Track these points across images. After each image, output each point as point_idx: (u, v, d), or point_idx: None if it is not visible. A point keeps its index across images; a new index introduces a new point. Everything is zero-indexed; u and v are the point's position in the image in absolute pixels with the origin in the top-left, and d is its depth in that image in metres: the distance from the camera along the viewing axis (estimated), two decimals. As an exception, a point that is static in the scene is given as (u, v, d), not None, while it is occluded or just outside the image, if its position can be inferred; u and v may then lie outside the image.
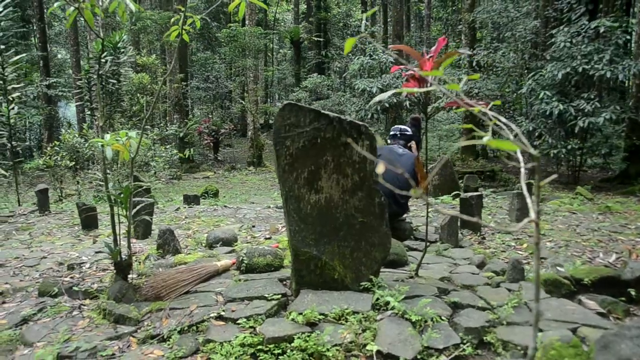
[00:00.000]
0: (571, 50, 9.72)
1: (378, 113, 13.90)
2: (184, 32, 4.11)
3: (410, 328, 2.81)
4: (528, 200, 1.33)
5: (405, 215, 5.50)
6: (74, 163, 9.36)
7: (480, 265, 4.13)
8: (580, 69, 9.41)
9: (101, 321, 3.28)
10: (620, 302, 3.54)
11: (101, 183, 9.58)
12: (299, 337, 2.70)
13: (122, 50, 11.20)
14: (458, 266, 4.15)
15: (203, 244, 5.03)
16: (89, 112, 11.42)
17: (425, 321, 2.84)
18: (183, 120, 17.48)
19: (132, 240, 5.44)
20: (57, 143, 9.54)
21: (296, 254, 3.23)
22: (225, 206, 7.90)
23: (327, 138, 3.13)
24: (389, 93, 3.20)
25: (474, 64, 12.20)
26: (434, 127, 20.64)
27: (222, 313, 3.09)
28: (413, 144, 11.14)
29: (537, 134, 10.07)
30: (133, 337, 3.06)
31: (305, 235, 3.21)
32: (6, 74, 7.55)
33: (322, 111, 3.15)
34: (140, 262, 4.43)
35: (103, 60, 10.67)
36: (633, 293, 3.66)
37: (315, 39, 19.70)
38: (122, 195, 3.51)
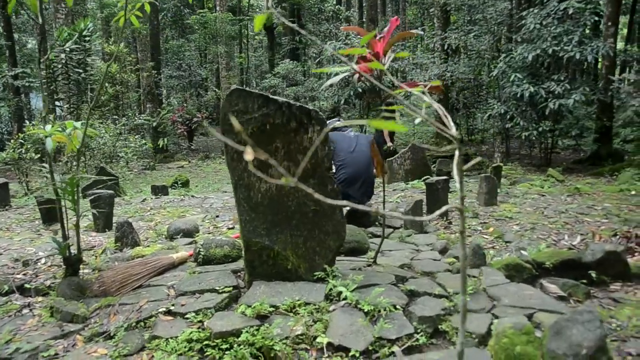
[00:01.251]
0: (541, 32, 9.69)
1: (352, 98, 13.78)
2: (133, 17, 3.96)
3: (362, 318, 2.73)
4: (457, 184, 1.24)
5: (370, 202, 5.44)
6: (39, 155, 9.09)
7: (443, 251, 4.08)
8: (550, 51, 9.40)
9: (49, 319, 3.15)
10: (581, 285, 3.51)
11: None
12: (247, 331, 2.61)
13: (87, 38, 10.88)
14: (420, 252, 4.09)
15: (164, 236, 4.90)
16: (58, 104, 11.08)
17: (379, 311, 2.77)
18: (156, 109, 17.16)
19: (92, 234, 5.30)
20: (21, 135, 9.25)
21: (248, 245, 3.14)
22: (192, 196, 7.77)
23: (277, 124, 3.02)
24: (340, 76, 3.09)
25: (446, 47, 12.14)
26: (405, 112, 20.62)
27: (172, 308, 2.98)
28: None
29: (508, 116, 10.06)
30: (80, 335, 2.94)
31: (256, 225, 3.11)
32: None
33: (271, 96, 3.03)
34: (96, 257, 4.30)
35: (67, 49, 10.36)
36: (594, 275, 3.65)
37: (288, 24, 19.34)
38: (68, 188, 3.36)
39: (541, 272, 3.71)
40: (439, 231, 5.04)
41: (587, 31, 9.47)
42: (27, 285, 3.69)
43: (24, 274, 4.06)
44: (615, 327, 2.95)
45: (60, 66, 10.49)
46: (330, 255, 3.19)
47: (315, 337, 2.62)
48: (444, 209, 1.28)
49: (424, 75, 12.40)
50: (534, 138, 9.73)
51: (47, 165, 3.61)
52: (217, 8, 15.66)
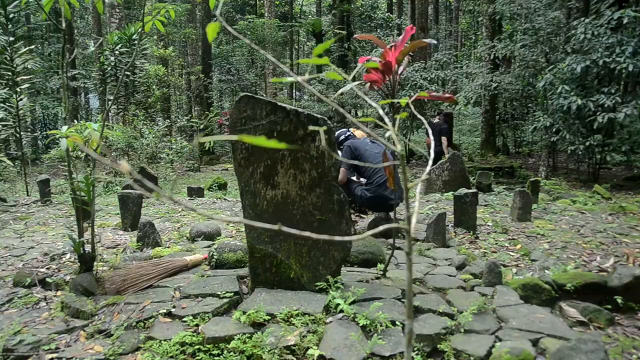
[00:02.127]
0: (592, 42, 9.28)
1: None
2: (158, 22, 4.05)
3: (359, 333, 2.67)
4: (416, 200, 1.18)
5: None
6: (84, 154, 9.45)
7: (460, 267, 3.94)
8: (601, 62, 8.98)
9: (59, 314, 3.25)
10: (604, 311, 3.32)
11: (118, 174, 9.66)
12: (239, 339, 2.60)
13: (136, 42, 11.24)
14: (436, 267, 3.97)
15: (186, 238, 4.97)
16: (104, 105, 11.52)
17: (375, 326, 2.70)
18: (204, 112, 17.55)
19: (120, 232, 5.44)
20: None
21: (252, 251, 3.13)
22: (225, 199, 7.86)
23: (284, 131, 3.01)
24: (351, 85, 3.04)
25: (492, 56, 11.80)
26: (458, 122, 20.24)
27: (172, 310, 3.01)
28: (444, 139, 10.94)
29: (554, 129, 9.67)
30: (84, 331, 3.01)
31: (260, 232, 3.10)
32: (15, 65, 7.65)
33: (279, 104, 3.02)
34: (117, 255, 4.41)
35: (117, 52, 10.76)
36: (619, 301, 3.43)
37: (338, 31, 19.48)
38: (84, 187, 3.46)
39: (562, 295, 3.53)
40: (463, 245, 4.88)
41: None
42: (48, 280, 3.82)
43: (47, 268, 4.21)
44: (635, 359, 2.77)
45: (109, 68, 10.93)
46: (335, 266, 3.14)
47: (307, 349, 2.58)
48: (381, 228, 1.22)
49: (470, 85, 12.10)
50: (580, 153, 9.30)
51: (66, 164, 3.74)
52: (266, 14, 15.90)
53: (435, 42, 3.28)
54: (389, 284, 3.34)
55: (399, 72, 3.23)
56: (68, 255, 4.63)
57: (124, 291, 3.40)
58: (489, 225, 5.65)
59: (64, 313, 3.21)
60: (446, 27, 29.49)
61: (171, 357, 2.56)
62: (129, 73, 11.12)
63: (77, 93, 18.27)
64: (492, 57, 11.89)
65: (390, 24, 20.98)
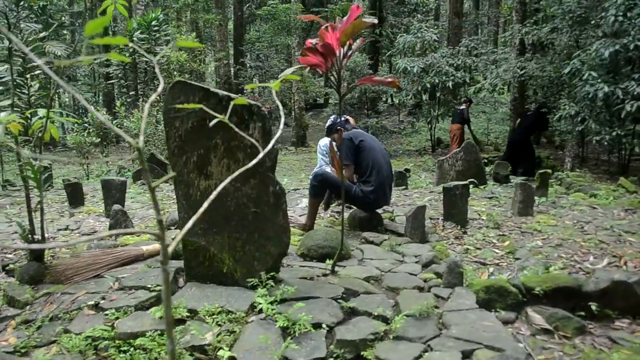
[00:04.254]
0: (624, 25, 8.63)
1: (420, 93, 13.22)
2: (121, 7, 3.93)
3: (277, 335, 2.50)
4: (153, 204, 1.01)
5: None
6: (99, 140, 9.58)
7: (427, 265, 3.69)
8: (632, 46, 8.34)
9: (-1, 302, 3.22)
10: (575, 318, 3.03)
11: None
12: (149, 336, 2.47)
13: (156, 28, 11.30)
14: (402, 264, 3.73)
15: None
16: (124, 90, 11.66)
17: (296, 328, 2.51)
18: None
19: (102, 219, 5.42)
20: (86, 120, 9.80)
21: (185, 244, 3.00)
22: (225, 187, 7.78)
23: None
24: (291, 69, 2.84)
25: (518, 42, 11.21)
26: (493, 111, 19.51)
27: (101, 302, 2.92)
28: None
29: (579, 118, 9.10)
30: (14, 320, 2.96)
31: (194, 224, 2.95)
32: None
33: (212, 89, 2.86)
34: (83, 242, 4.37)
35: (135, 39, 10.82)
36: (594, 307, 3.13)
37: (369, 17, 18.99)
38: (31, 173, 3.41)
39: (530, 299, 3.24)
40: (447, 241, 4.61)
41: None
42: (12, 266, 3.81)
43: (15, 254, 4.22)
44: (592, 375, 2.50)
45: (127, 55, 11.01)
46: (271, 261, 2.97)
47: (219, 349, 2.43)
48: (129, 231, 1.05)
49: (495, 71, 11.56)
50: (606, 143, 8.71)
51: (25, 151, 3.70)
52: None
53: (375, 21, 3.02)
54: (334, 281, 3.14)
55: (347, 55, 3.00)
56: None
57: (68, 280, 3.34)
58: (483, 220, 5.33)
59: (2, 301, 3.17)
60: (486, 12, 28.41)
61: (80, 351, 2.47)
62: (147, 59, 11.15)
63: (111, 78, 18.63)
64: (519, 42, 11.30)
65: (424, 9, 20.35)
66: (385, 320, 2.70)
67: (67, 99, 20.91)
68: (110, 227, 4.60)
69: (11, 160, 10.70)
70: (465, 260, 4.25)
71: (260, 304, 2.65)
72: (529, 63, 10.96)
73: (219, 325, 2.59)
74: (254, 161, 1.28)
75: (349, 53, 3.00)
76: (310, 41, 2.93)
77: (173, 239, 1.06)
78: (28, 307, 3.08)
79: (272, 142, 1.36)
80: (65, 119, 3.65)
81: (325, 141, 6.03)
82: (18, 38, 7.15)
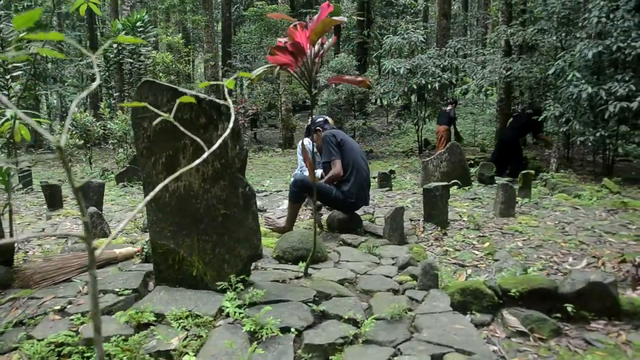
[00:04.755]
0: (607, 26, 8.67)
1: (407, 94, 13.21)
2: (93, 5, 3.87)
3: (244, 340, 2.45)
4: (80, 208, 0.96)
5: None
6: (83, 142, 9.48)
7: (403, 267, 3.65)
8: (614, 47, 8.38)
9: (-34, 307, 3.14)
10: (550, 320, 3.01)
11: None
12: (114, 340, 2.42)
13: (141, 29, 11.20)
14: (378, 266, 3.69)
15: (139, 229, 4.84)
16: (107, 92, 11.55)
17: (264, 333, 2.47)
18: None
19: (79, 222, 5.35)
20: (70, 121, 9.67)
21: (154, 246, 2.95)
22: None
23: (185, 119, 2.79)
24: (261, 69, 2.79)
25: (503, 43, 11.22)
26: (481, 112, 19.56)
27: (68, 306, 2.86)
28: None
29: (564, 119, 9.13)
30: (-24, 327, 2.89)
31: (163, 227, 2.91)
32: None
33: (180, 89, 2.81)
34: (58, 245, 4.30)
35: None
36: (570, 309, 3.11)
37: (357, 18, 19.03)
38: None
39: (506, 301, 3.21)
40: (426, 242, 4.59)
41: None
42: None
43: (-12, 258, 4.13)
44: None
45: (112, 56, 10.92)
46: (241, 264, 2.91)
47: (184, 354, 2.38)
48: (46, 234, 0.99)
49: (481, 72, 11.58)
50: (590, 144, 8.74)
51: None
52: (279, 0, 15.64)
53: (345, 19, 2.99)
54: (307, 284, 3.09)
55: (319, 54, 2.96)
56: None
57: (37, 284, 3.27)
58: (464, 221, 5.31)
59: (-33, 306, 3.10)
60: (475, 14, 28.53)
61: (42, 358, 2.40)
62: (131, 60, 11.07)
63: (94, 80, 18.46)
64: (504, 43, 11.33)
65: (412, 10, 20.38)
66: (355, 323, 2.65)
67: (54, 101, 20.74)
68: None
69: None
70: (444, 262, 4.22)
71: (227, 307, 2.59)
72: (514, 64, 10.99)
73: (186, 329, 2.54)
74: (199, 160, 1.24)
75: (321, 52, 2.95)
76: (281, 40, 2.88)
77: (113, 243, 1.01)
78: (-7, 312, 3.00)
79: (219, 141, 1.31)
80: (37, 119, 3.57)
81: (306, 141, 6.00)
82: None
